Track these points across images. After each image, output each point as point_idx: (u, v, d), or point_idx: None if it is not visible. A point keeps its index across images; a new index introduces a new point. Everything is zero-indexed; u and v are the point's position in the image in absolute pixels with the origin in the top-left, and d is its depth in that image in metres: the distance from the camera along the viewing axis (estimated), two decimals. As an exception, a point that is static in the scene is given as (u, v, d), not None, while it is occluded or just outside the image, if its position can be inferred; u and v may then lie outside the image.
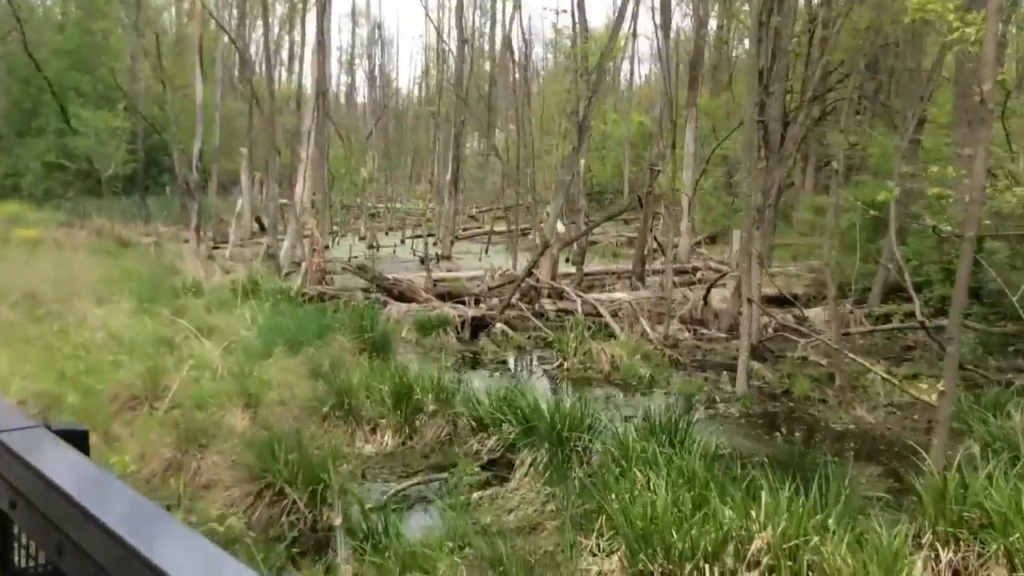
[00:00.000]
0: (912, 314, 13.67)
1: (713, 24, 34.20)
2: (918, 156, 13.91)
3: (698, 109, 22.05)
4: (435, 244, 27.39)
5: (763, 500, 5.09)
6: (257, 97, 24.79)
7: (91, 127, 31.16)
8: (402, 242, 28.81)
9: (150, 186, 38.11)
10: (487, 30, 45.59)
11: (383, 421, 7.91)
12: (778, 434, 8.34)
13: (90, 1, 40.07)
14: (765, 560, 4.78)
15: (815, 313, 13.69)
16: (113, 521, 0.98)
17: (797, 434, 8.45)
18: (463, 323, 12.92)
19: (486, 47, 45.03)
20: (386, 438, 7.78)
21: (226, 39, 37.88)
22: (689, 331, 13.19)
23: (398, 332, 12.35)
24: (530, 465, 6.83)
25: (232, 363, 9.52)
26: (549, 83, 47.92)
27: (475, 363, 11.75)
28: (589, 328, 11.90)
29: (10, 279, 13.33)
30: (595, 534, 5.43)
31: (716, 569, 4.77)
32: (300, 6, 45.23)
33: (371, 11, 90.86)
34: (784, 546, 4.77)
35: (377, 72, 56.01)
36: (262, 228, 30.70)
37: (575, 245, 18.89)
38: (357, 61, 58.68)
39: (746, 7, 32.78)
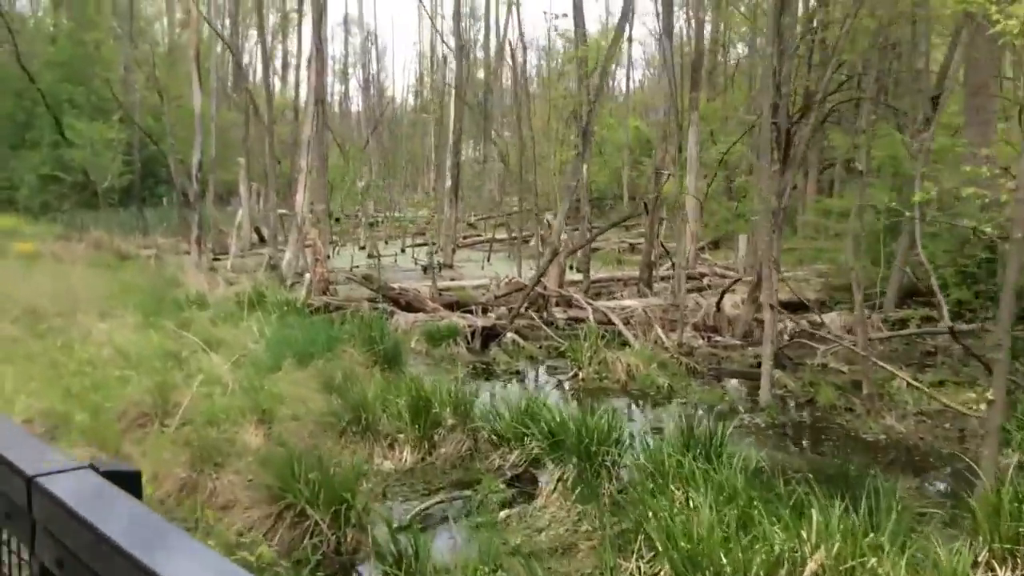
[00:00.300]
0: (929, 318, 13.54)
1: (708, 28, 33.99)
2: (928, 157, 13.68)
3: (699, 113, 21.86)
4: (436, 252, 27.17)
5: (814, 518, 4.86)
6: (256, 105, 24.57)
7: (86, 139, 30.88)
8: (402, 251, 28.58)
9: (147, 198, 37.84)
10: (480, 37, 45.56)
11: (401, 436, 7.68)
12: (807, 445, 8.11)
13: (81, 12, 39.86)
14: (820, 583, 4.56)
15: (830, 319, 13.48)
16: None
17: (828, 445, 8.22)
18: (473, 333, 12.69)
19: (480, 55, 45.01)
20: (405, 454, 7.54)
21: (219, 49, 37.74)
22: (703, 338, 12.98)
23: (407, 343, 12.11)
24: (557, 481, 6.59)
25: (242, 377, 9.29)
26: (543, 89, 47.82)
27: (487, 374, 11.52)
28: (603, 337, 11.68)
29: (10, 294, 13.07)
30: (635, 556, 5.20)
31: (769, 593, 4.55)
32: (294, 16, 45.11)
33: (363, 19, 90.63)
34: (840, 568, 4.55)
35: (372, 80, 55.84)
36: (261, 239, 30.46)
37: (579, 252, 18.69)
38: (351, 70, 58.50)
39: (742, 9, 32.81)
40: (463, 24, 37.28)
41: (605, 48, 23.71)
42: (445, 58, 35.24)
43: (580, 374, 10.94)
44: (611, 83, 46.44)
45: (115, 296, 13.95)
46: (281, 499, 6.00)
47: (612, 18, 51.94)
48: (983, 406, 6.15)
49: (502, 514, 6.31)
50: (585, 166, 19.09)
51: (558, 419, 7.04)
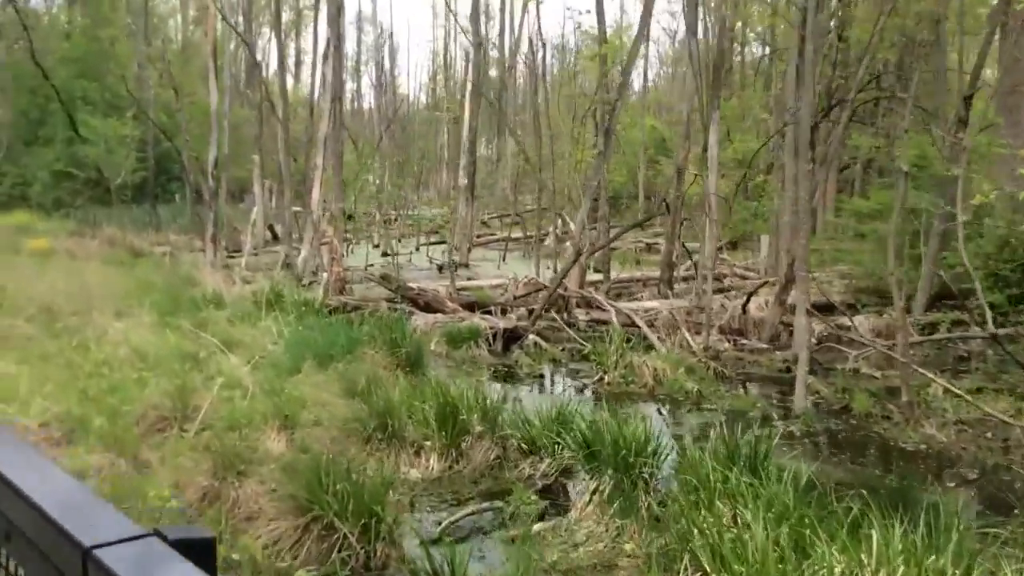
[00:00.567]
0: (959, 322, 13.23)
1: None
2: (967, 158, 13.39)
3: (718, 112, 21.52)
4: (453, 251, 26.94)
5: (874, 539, 4.59)
6: (272, 101, 24.38)
7: (100, 135, 30.77)
8: (416, 249, 28.34)
9: (159, 194, 37.76)
10: (495, 35, 45.30)
11: (427, 444, 7.44)
12: (847, 455, 7.83)
13: (96, 8, 39.77)
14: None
15: (858, 322, 13.18)
16: None
17: (869, 456, 7.93)
18: (495, 335, 12.44)
19: (494, 53, 44.76)
20: (432, 462, 7.30)
21: (232, 46, 37.55)
22: (729, 341, 12.71)
23: (427, 344, 11.87)
24: (592, 493, 6.33)
25: (261, 380, 9.07)
26: (558, 87, 47.59)
27: (509, 377, 11.27)
28: (628, 340, 11.42)
29: (25, 291, 12.89)
30: None
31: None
32: (307, 13, 44.98)
33: (377, 17, 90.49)
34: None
35: (385, 78, 55.65)
36: (274, 237, 30.30)
37: (597, 252, 18.41)
38: (363, 67, 58.34)
39: (767, 6, 32.49)
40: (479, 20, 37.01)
41: (621, 46, 23.47)
42: (468, 53, 34.89)
43: (606, 378, 10.68)
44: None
45: (130, 294, 13.76)
46: (308, 511, 5.77)
47: (626, 16, 51.65)
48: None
49: (536, 527, 6.05)
50: (605, 165, 18.81)
51: (592, 428, 6.77)
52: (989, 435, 8.43)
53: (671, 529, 5.60)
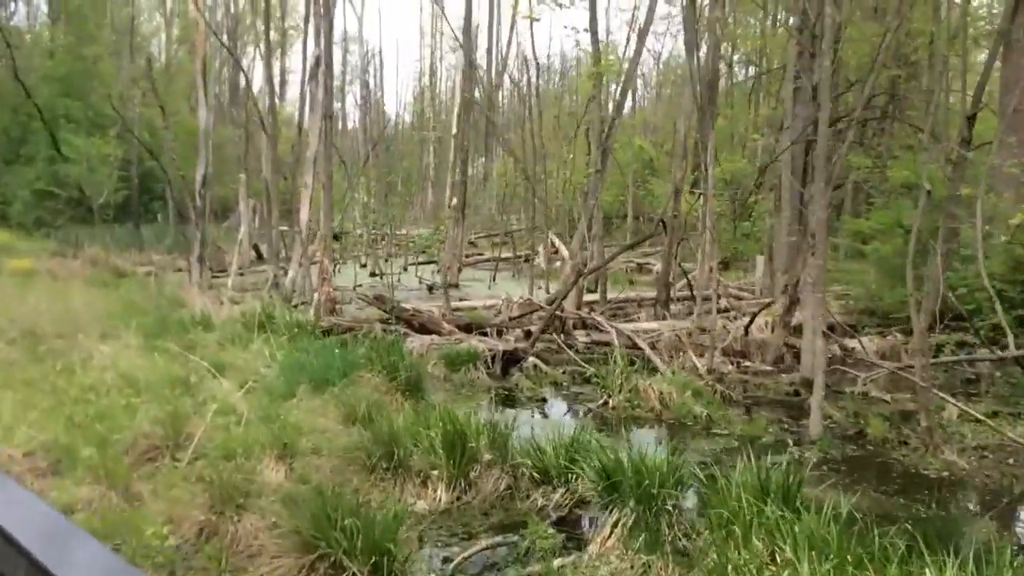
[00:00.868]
0: (963, 343, 13.02)
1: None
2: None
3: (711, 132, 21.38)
4: (440, 271, 26.62)
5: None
6: (261, 118, 24.05)
7: (82, 154, 30.41)
8: (404, 269, 27.99)
9: (142, 214, 37.32)
10: (482, 54, 45.20)
11: (435, 473, 7.07)
12: (869, 484, 7.53)
13: (80, 26, 39.41)
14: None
15: (862, 344, 12.94)
16: None
17: (891, 484, 7.63)
18: (493, 357, 12.10)
19: (481, 72, 44.63)
20: (439, 493, 6.94)
21: (216, 65, 37.23)
22: (732, 363, 12.43)
23: (424, 367, 11.52)
24: (613, 526, 6.00)
25: (255, 405, 8.71)
26: (547, 107, 47.57)
27: (511, 401, 10.93)
28: (632, 363, 11.11)
29: (6, 313, 12.47)
30: (719, 620, 4.63)
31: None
32: (293, 33, 44.75)
33: (363, 36, 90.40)
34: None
35: (372, 98, 55.42)
36: (259, 256, 29.88)
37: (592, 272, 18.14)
38: (348, 87, 58.13)
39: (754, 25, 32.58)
40: (456, 37, 36.91)
41: (616, 63, 23.34)
42: (455, 71, 34.69)
43: (611, 402, 10.35)
44: (611, 103, 46.11)
45: (115, 316, 13.36)
46: (314, 548, 5.40)
47: (611, 36, 51.71)
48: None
49: (555, 563, 5.71)
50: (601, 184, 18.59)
51: (612, 456, 6.44)
52: (1011, 461, 8.17)
53: (699, 566, 5.28)
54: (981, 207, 9.48)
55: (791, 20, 21.02)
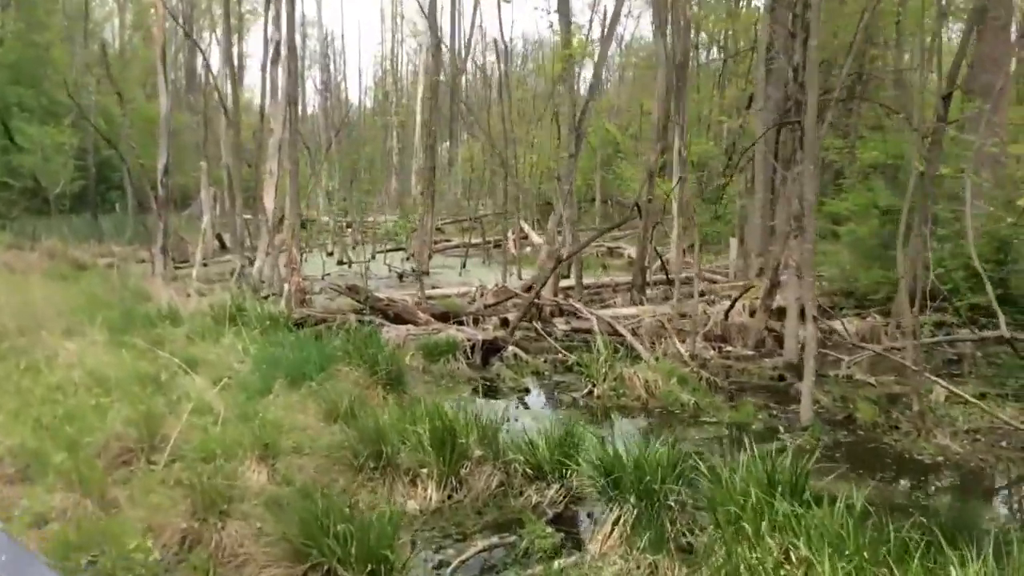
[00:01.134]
0: (942, 324, 13.01)
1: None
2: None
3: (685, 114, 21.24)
4: (410, 259, 26.28)
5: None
6: (224, 104, 23.47)
7: (36, 143, 29.51)
8: (372, 257, 27.57)
9: (99, 204, 36.47)
10: (445, 37, 44.70)
11: (424, 471, 6.82)
12: (865, 471, 7.40)
13: (31, 12, 38.25)
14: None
15: (839, 326, 12.88)
16: None
17: (887, 470, 7.52)
18: (472, 347, 11.85)
19: (446, 57, 44.10)
20: (430, 492, 6.68)
21: (172, 50, 36.34)
22: (714, 348, 12.30)
23: (403, 359, 11.23)
24: (614, 524, 5.79)
25: (231, 402, 8.38)
26: (507, 90, 47.20)
27: (493, 391, 10.70)
28: (616, 351, 10.93)
29: (-37, 310, 11.96)
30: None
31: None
32: (250, 17, 43.89)
33: (322, 20, 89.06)
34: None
35: (331, 82, 54.66)
36: (222, 246, 29.31)
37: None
38: (307, 72, 57.26)
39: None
40: (420, 22, 36.43)
41: (586, 44, 23.07)
42: (418, 55, 34.19)
43: (595, 391, 10.16)
44: (578, 86, 45.83)
45: (79, 310, 12.87)
46: (306, 556, 5.14)
47: (576, 18, 51.33)
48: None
49: (555, 564, 5.49)
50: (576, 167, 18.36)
51: (611, 450, 6.23)
52: (1004, 444, 8.11)
53: (706, 565, 5.10)
54: (968, 187, 9.38)
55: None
